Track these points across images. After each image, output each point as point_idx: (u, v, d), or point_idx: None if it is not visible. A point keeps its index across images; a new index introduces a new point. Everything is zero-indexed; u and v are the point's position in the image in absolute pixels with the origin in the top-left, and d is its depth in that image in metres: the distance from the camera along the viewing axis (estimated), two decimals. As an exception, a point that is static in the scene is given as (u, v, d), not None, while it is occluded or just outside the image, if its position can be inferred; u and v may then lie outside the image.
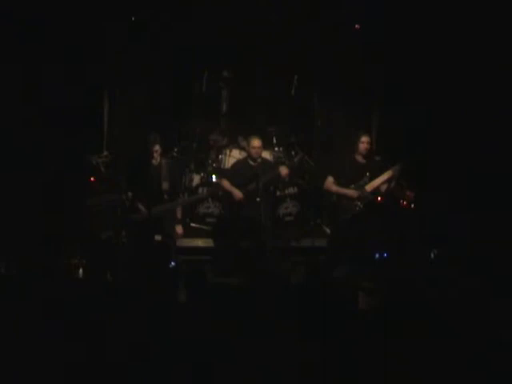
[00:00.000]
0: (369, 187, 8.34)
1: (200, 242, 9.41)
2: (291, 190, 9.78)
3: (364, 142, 8.37)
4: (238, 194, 8.42)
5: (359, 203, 8.38)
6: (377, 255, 8.29)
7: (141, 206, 7.86)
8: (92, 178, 9.63)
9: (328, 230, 9.38)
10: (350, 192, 8.34)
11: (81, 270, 7.40)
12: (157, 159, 8.17)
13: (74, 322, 5.38)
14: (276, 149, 10.27)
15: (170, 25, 10.05)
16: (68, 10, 9.03)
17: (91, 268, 7.32)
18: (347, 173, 8.42)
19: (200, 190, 9.60)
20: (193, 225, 9.73)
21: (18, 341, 5.12)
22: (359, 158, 8.44)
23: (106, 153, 9.99)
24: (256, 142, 8.52)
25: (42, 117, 8.95)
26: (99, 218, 8.98)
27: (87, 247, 8.07)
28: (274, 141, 10.32)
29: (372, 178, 8.37)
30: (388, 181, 8.35)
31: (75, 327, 5.32)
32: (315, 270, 7.62)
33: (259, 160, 8.62)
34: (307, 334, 5.34)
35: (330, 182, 8.51)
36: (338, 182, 8.46)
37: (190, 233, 9.51)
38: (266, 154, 9.59)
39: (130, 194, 7.90)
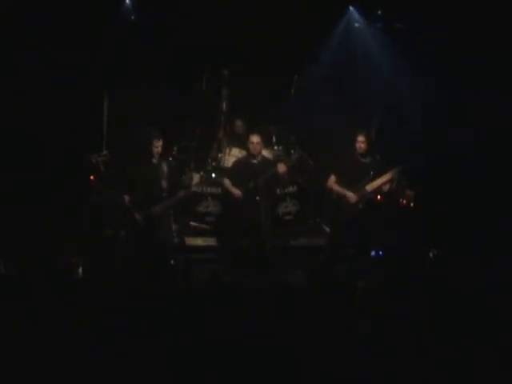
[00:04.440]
0: (369, 187, 8.32)
1: (200, 241, 9.42)
2: (291, 189, 9.79)
3: (359, 142, 8.36)
4: (237, 193, 8.42)
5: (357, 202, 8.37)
6: (373, 253, 8.31)
7: (137, 216, 7.80)
8: (92, 177, 9.63)
9: (327, 229, 9.38)
10: (350, 195, 8.32)
11: (80, 269, 7.38)
12: (156, 156, 8.12)
13: (75, 321, 5.39)
14: (276, 147, 10.28)
15: (171, 25, 10.04)
16: (68, 10, 9.04)
17: (91, 267, 7.30)
18: (349, 171, 8.42)
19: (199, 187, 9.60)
20: (192, 223, 9.74)
21: (18, 340, 5.11)
22: (360, 158, 8.43)
23: (105, 152, 9.98)
24: (254, 138, 8.52)
25: (43, 117, 8.96)
26: (99, 217, 8.99)
27: (87, 246, 8.07)
28: (274, 139, 10.32)
29: (374, 177, 8.35)
30: (389, 182, 8.34)
31: (75, 327, 5.32)
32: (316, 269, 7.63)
33: (259, 158, 8.62)
34: (309, 333, 5.36)
35: (331, 181, 8.50)
36: (339, 181, 8.46)
37: (189, 232, 9.53)
38: (266, 153, 9.59)
39: (127, 197, 7.83)
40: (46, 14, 8.92)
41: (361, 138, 8.35)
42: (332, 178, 8.50)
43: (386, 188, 8.32)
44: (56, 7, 8.97)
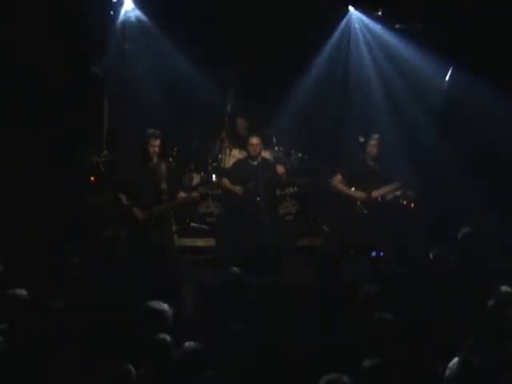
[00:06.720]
0: (375, 193, 8.29)
1: (200, 242, 9.42)
2: (291, 190, 9.81)
3: (371, 145, 8.33)
4: (238, 190, 8.43)
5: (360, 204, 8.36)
6: (373, 253, 8.30)
7: (136, 210, 7.73)
8: (92, 178, 9.63)
9: (328, 229, 9.39)
10: (355, 194, 8.31)
11: (80, 269, 7.37)
12: (154, 157, 7.99)
13: (74, 322, 5.38)
14: (276, 148, 10.29)
15: (173, 24, 10.04)
16: (68, 10, 9.05)
17: (91, 267, 7.30)
18: (357, 174, 8.39)
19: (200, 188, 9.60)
20: (193, 224, 9.75)
21: (17, 340, 5.11)
22: (370, 161, 8.39)
23: (105, 152, 9.99)
24: (254, 140, 8.54)
25: (42, 117, 8.97)
26: (99, 217, 9.00)
27: (87, 246, 8.06)
28: (274, 140, 10.34)
29: (381, 183, 8.32)
30: (395, 191, 8.33)
31: (75, 327, 5.32)
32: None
33: (259, 159, 8.63)
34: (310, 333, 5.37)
35: (337, 180, 8.48)
36: (345, 182, 8.44)
37: (189, 232, 9.53)
38: (267, 154, 9.60)
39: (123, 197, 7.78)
40: (47, 14, 8.93)
41: (373, 142, 8.31)
42: (338, 177, 8.48)
43: (391, 197, 8.31)
44: (57, 7, 8.99)
